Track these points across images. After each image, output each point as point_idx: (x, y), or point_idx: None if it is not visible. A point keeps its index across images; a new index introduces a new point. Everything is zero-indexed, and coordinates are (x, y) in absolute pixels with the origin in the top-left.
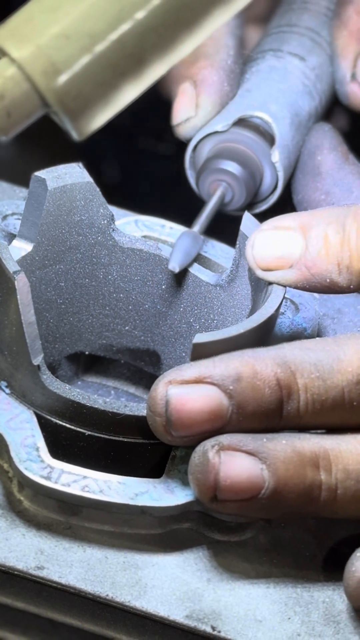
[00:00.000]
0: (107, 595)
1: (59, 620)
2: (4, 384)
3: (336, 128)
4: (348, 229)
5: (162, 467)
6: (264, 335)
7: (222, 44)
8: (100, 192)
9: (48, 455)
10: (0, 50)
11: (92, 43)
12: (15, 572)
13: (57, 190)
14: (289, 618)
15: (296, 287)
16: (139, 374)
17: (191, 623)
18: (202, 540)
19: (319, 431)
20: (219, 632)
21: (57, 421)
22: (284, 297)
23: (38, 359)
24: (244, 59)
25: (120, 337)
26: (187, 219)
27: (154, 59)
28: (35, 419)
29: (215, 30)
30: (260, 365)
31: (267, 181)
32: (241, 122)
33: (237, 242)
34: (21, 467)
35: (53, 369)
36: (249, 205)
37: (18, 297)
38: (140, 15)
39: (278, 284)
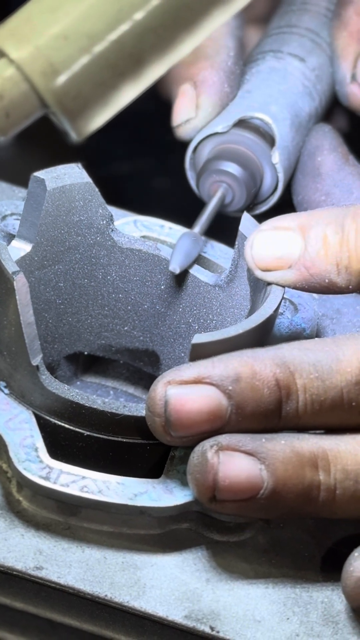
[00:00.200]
0: (106, 595)
1: (57, 620)
2: (3, 384)
3: (336, 129)
4: (347, 230)
5: (161, 468)
6: (263, 335)
7: (222, 44)
8: (99, 193)
9: (47, 455)
10: None
11: (91, 43)
12: (14, 572)
13: (56, 191)
14: (288, 618)
15: (295, 288)
16: (138, 374)
17: (190, 623)
18: (201, 540)
19: (317, 431)
20: (218, 632)
21: (56, 421)
22: (282, 298)
23: (37, 360)
24: (244, 60)
25: (119, 338)
26: (187, 219)
27: (153, 59)
28: (34, 419)
29: (215, 31)
30: (259, 366)
31: (267, 182)
32: (241, 123)
33: (236, 243)
34: (20, 468)
35: (52, 369)
36: (250, 207)
37: (17, 297)
38: (139, 15)
39: (277, 284)
